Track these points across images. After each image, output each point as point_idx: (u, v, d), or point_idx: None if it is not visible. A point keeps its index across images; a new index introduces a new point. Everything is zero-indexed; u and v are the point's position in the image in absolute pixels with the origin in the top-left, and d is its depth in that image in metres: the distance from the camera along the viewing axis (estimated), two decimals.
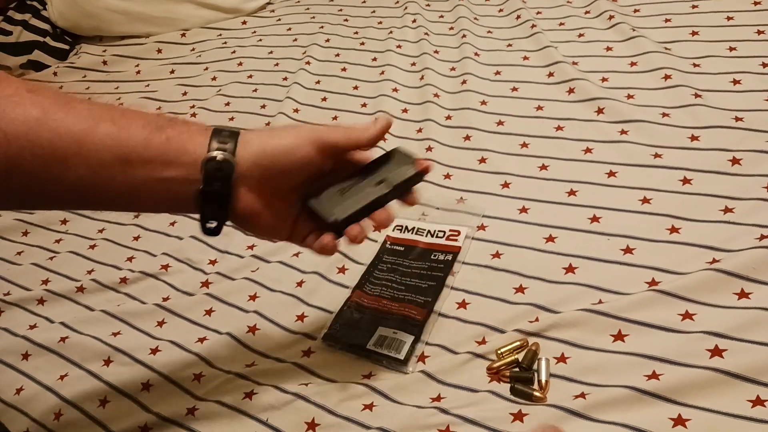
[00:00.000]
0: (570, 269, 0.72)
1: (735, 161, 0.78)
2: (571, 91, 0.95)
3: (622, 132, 0.86)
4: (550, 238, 0.76)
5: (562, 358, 0.64)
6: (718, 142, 0.81)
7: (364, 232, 0.57)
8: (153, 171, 0.49)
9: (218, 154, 0.50)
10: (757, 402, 0.55)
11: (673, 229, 0.73)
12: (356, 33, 1.26)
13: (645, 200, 0.77)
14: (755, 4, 1.00)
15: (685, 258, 0.69)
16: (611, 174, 0.81)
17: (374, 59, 1.17)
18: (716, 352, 0.59)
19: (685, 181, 0.78)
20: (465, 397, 0.63)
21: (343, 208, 0.56)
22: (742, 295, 0.64)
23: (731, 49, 0.93)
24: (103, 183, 0.49)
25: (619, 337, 0.64)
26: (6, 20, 1.43)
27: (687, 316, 0.63)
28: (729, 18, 0.99)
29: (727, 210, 0.73)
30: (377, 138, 0.56)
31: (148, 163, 0.49)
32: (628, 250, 0.72)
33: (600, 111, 0.90)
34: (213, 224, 0.53)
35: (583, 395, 0.60)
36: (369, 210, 0.57)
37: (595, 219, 0.77)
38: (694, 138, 0.82)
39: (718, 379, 0.57)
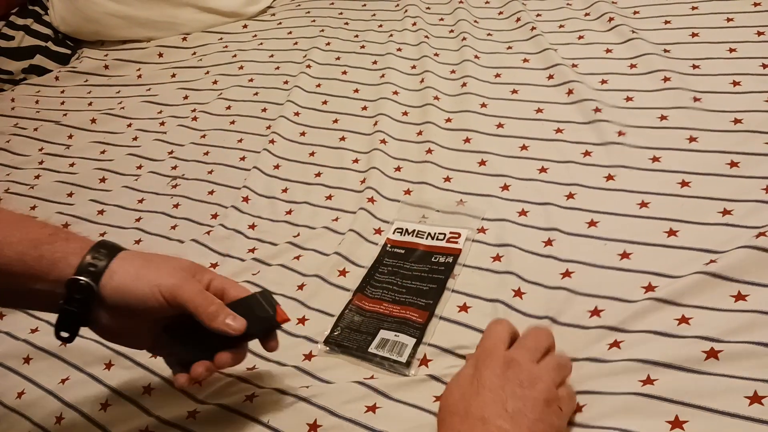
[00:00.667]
0: (566, 274, 0.72)
1: (733, 164, 0.78)
2: (570, 93, 0.95)
3: (620, 134, 0.86)
4: (548, 242, 0.76)
5: None
6: (716, 144, 0.80)
7: (210, 369, 0.58)
8: (21, 284, 0.54)
9: (82, 279, 0.53)
10: (755, 399, 0.55)
11: (671, 233, 0.73)
12: (356, 36, 1.27)
13: (643, 204, 0.77)
14: (755, 5, 1.00)
15: (683, 262, 0.69)
16: (609, 177, 0.81)
17: (374, 62, 1.17)
18: (712, 354, 0.59)
19: (684, 183, 0.78)
20: None
21: (188, 353, 0.58)
22: (739, 297, 0.63)
23: (731, 50, 0.93)
24: None
25: (614, 344, 0.63)
26: (8, 25, 1.44)
27: (683, 320, 0.63)
28: (729, 19, 0.99)
29: (725, 212, 0.73)
30: (218, 331, 0.56)
31: (18, 277, 0.53)
32: (624, 255, 0.72)
33: (598, 113, 0.90)
34: (66, 335, 0.56)
35: (578, 407, 0.59)
36: (217, 352, 0.58)
37: (592, 223, 0.77)
38: (692, 140, 0.82)
39: (714, 380, 0.57)
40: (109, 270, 0.54)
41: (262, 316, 0.59)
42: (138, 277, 0.55)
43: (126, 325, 0.57)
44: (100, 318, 0.56)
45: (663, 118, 0.86)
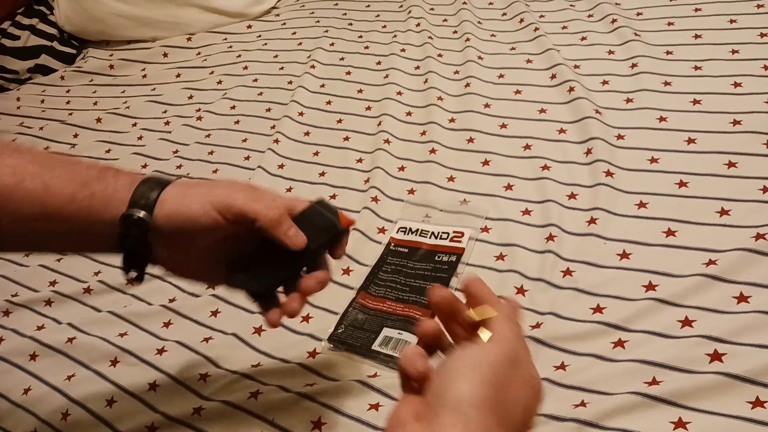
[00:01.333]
0: (568, 272, 0.73)
1: (731, 164, 0.78)
2: (571, 91, 0.96)
3: (619, 137, 0.87)
4: (551, 241, 0.76)
5: (561, 366, 0.64)
6: (715, 145, 0.81)
7: (301, 301, 0.55)
8: (75, 225, 0.51)
9: (135, 212, 0.51)
10: (757, 403, 0.55)
11: (670, 233, 0.73)
12: (360, 37, 1.27)
13: (641, 204, 0.77)
14: (759, 7, 1.00)
15: (682, 261, 0.70)
16: (608, 173, 0.82)
17: (378, 63, 1.17)
18: (716, 356, 0.60)
19: (682, 184, 0.78)
20: None
21: (263, 280, 0.55)
22: (741, 299, 0.64)
23: (734, 52, 0.94)
24: (26, 233, 0.52)
25: (619, 344, 0.64)
26: (14, 25, 1.44)
27: (686, 322, 0.64)
28: (732, 21, 0.99)
29: (723, 212, 0.73)
30: (279, 241, 0.52)
31: (71, 218, 0.51)
32: (624, 255, 0.72)
33: (599, 114, 0.91)
34: (134, 274, 0.54)
35: (583, 403, 0.60)
36: (293, 274, 0.55)
37: (592, 221, 0.77)
38: (691, 141, 0.83)
39: (717, 381, 0.57)
40: (159, 200, 0.51)
41: (324, 226, 0.54)
42: (186, 198, 0.51)
43: (188, 254, 0.54)
44: (161, 252, 0.53)
45: (662, 119, 0.87)
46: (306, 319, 0.76)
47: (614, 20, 1.07)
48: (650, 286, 0.68)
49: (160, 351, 0.76)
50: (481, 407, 0.35)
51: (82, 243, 0.54)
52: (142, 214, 0.51)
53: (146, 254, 0.53)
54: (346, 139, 1.03)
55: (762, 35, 0.95)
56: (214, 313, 0.80)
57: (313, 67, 1.20)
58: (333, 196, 0.93)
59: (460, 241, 0.79)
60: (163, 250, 0.53)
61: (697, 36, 0.99)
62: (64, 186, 0.50)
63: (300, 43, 1.30)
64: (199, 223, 0.51)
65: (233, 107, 1.18)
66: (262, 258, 0.54)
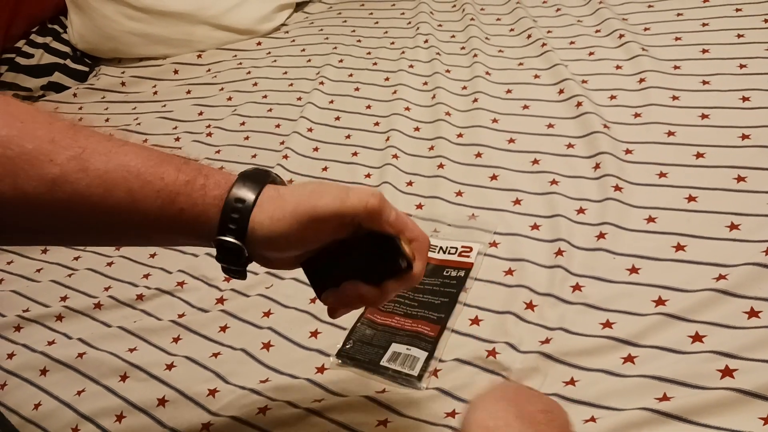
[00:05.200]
0: (577, 287, 0.72)
1: (740, 178, 0.78)
2: (579, 105, 0.96)
3: (627, 151, 0.87)
4: (560, 255, 0.76)
5: (571, 382, 0.64)
6: (723, 159, 0.81)
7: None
8: (167, 239, 0.52)
9: (228, 240, 0.49)
10: None
11: (679, 247, 0.73)
12: (369, 53, 1.28)
13: (650, 219, 0.77)
14: (766, 21, 1.00)
15: (691, 276, 0.69)
16: (617, 188, 0.82)
17: (387, 79, 1.18)
18: (727, 372, 0.59)
19: (691, 198, 0.78)
20: None
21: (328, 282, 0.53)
22: (752, 314, 0.63)
23: (742, 66, 0.94)
24: (119, 238, 0.55)
25: (629, 359, 0.64)
26: (28, 44, 1.47)
27: (697, 338, 0.63)
28: (739, 35, 1.00)
29: (733, 227, 0.73)
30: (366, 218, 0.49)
31: (163, 232, 0.50)
32: (633, 270, 0.72)
33: (607, 129, 0.91)
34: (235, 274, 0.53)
35: (593, 419, 0.59)
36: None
37: (601, 236, 0.77)
38: (699, 155, 0.83)
39: (729, 398, 0.57)
40: (251, 227, 0.48)
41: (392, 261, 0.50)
42: (275, 222, 0.48)
43: (284, 259, 0.53)
44: (259, 257, 0.52)
45: (671, 134, 0.87)
46: (314, 334, 0.76)
47: (621, 35, 1.07)
48: (660, 301, 0.68)
49: (169, 366, 0.76)
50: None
51: (173, 243, 0.54)
52: (236, 243, 0.48)
53: (245, 262, 0.51)
54: (355, 154, 1.03)
55: None
56: (223, 329, 0.80)
57: (321, 83, 1.21)
58: None
59: (468, 256, 0.79)
60: (261, 258, 0.52)
61: (704, 50, 0.99)
62: (152, 200, 0.48)
63: (309, 60, 1.31)
64: (294, 244, 0.49)
65: (243, 123, 1.19)
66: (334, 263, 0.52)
